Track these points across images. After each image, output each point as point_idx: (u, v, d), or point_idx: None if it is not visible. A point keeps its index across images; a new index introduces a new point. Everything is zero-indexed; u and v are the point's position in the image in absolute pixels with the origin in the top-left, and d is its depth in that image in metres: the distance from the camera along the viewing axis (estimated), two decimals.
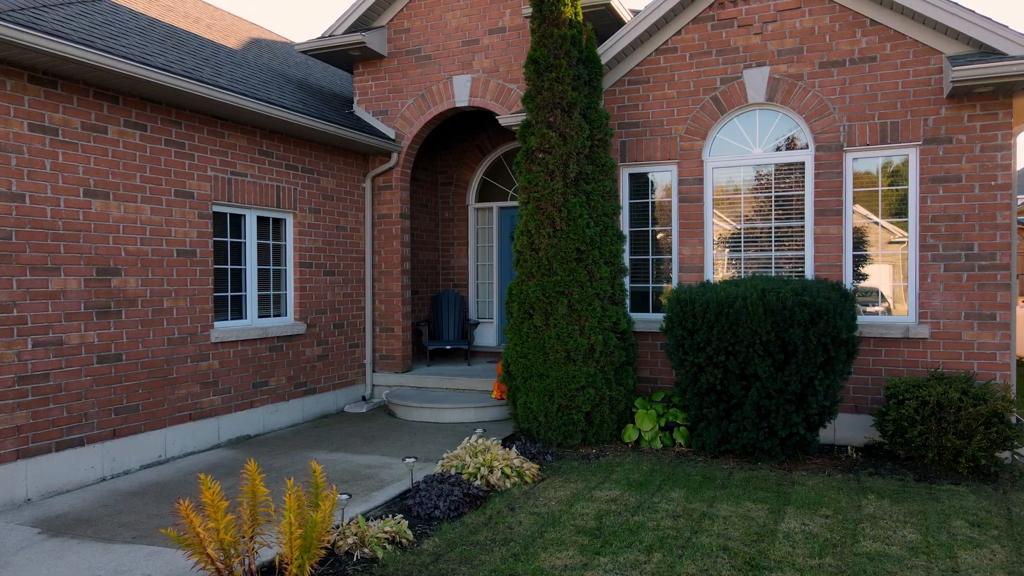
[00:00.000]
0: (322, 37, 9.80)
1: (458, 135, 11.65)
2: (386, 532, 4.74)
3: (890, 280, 7.37)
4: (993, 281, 6.92)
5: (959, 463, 6.11)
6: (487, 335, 11.59)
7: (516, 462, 6.20)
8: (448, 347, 10.51)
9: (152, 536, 4.96)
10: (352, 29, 9.77)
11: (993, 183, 6.92)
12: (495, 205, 11.66)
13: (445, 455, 6.42)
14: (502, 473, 6.02)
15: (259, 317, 8.22)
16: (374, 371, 9.96)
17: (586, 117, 7.44)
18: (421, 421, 8.65)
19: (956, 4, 6.74)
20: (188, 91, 6.59)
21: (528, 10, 8.45)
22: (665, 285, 8.27)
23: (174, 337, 7.01)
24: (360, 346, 9.83)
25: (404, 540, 4.76)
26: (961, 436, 6.08)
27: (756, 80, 7.68)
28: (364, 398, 9.88)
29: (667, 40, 8.04)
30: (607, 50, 8.00)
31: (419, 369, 10.25)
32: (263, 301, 8.30)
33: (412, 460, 5.86)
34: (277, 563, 4.19)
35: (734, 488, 5.88)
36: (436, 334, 10.84)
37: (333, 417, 9.07)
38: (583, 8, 8.07)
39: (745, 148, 7.85)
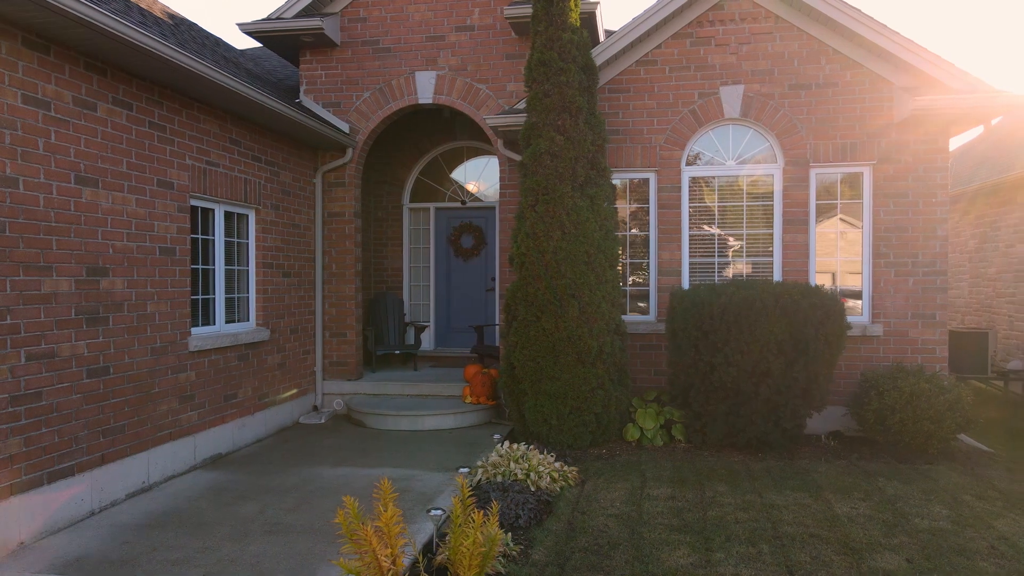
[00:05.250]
0: (269, 19, 9.08)
1: (395, 132, 11.24)
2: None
3: (848, 284, 8.18)
4: (934, 285, 7.93)
5: (931, 445, 6.95)
6: (424, 339, 11.29)
7: (556, 466, 6.16)
8: (398, 352, 10.13)
9: (222, 571, 4.37)
10: (303, 14, 9.12)
11: (933, 200, 7.93)
12: (432, 206, 11.39)
13: (479, 463, 6.24)
14: (550, 478, 5.96)
15: (225, 323, 7.45)
16: (324, 379, 9.36)
17: (587, 122, 7.54)
18: (398, 430, 8.27)
19: (910, 40, 7.64)
20: (187, 68, 5.85)
21: (512, 11, 8.39)
22: (641, 288, 8.57)
23: (156, 346, 6.18)
24: (311, 353, 9.20)
25: (513, 552, 4.59)
26: (933, 421, 6.91)
27: (732, 97, 8.21)
28: (315, 407, 9.25)
29: (648, 52, 8.35)
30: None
31: (369, 376, 9.77)
32: (227, 305, 7.53)
33: (465, 470, 5.64)
34: None
35: (763, 479, 6.26)
36: (379, 339, 10.38)
37: (293, 430, 8.41)
38: None
39: (720, 160, 8.36)
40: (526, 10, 8.25)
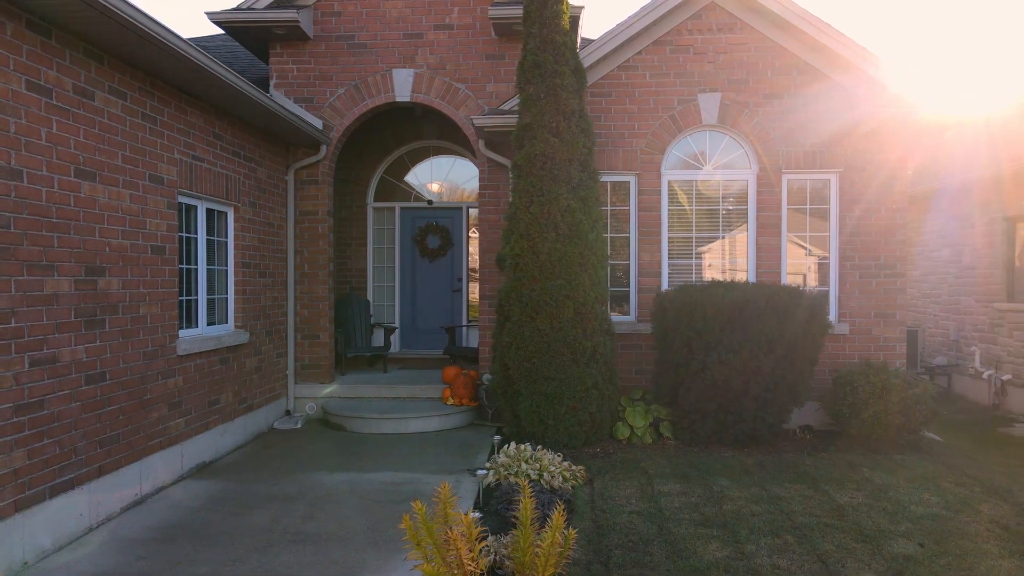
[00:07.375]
0: (240, 9, 8.75)
1: (359, 130, 11.00)
2: None
3: (817, 285, 8.58)
4: (894, 286, 8.43)
5: (901, 437, 7.39)
6: (391, 340, 11.09)
7: (566, 465, 6.21)
8: (368, 354, 9.93)
9: None
10: (275, 5, 8.82)
11: (894, 206, 8.43)
12: (397, 205, 11.23)
13: (487, 464, 6.21)
14: (562, 477, 6.00)
15: (207, 325, 7.13)
16: (296, 382, 9.08)
17: (578, 125, 7.62)
18: (382, 433, 8.11)
19: (876, 56, 8.10)
20: (187, 56, 5.57)
21: (498, 11, 8.38)
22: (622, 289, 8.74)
23: (148, 350, 5.86)
24: (284, 355, 8.90)
25: None
26: (903, 414, 7.34)
27: (709, 104, 8.48)
28: (288, 412, 8.95)
29: (629, 58, 8.52)
30: None
31: (340, 379, 9.53)
32: (208, 306, 7.20)
33: (483, 472, 5.62)
34: None
35: (758, 473, 6.50)
36: (349, 341, 10.14)
37: (270, 435, 8.12)
38: None
39: (698, 165, 8.62)
40: (512, 11, 8.27)
